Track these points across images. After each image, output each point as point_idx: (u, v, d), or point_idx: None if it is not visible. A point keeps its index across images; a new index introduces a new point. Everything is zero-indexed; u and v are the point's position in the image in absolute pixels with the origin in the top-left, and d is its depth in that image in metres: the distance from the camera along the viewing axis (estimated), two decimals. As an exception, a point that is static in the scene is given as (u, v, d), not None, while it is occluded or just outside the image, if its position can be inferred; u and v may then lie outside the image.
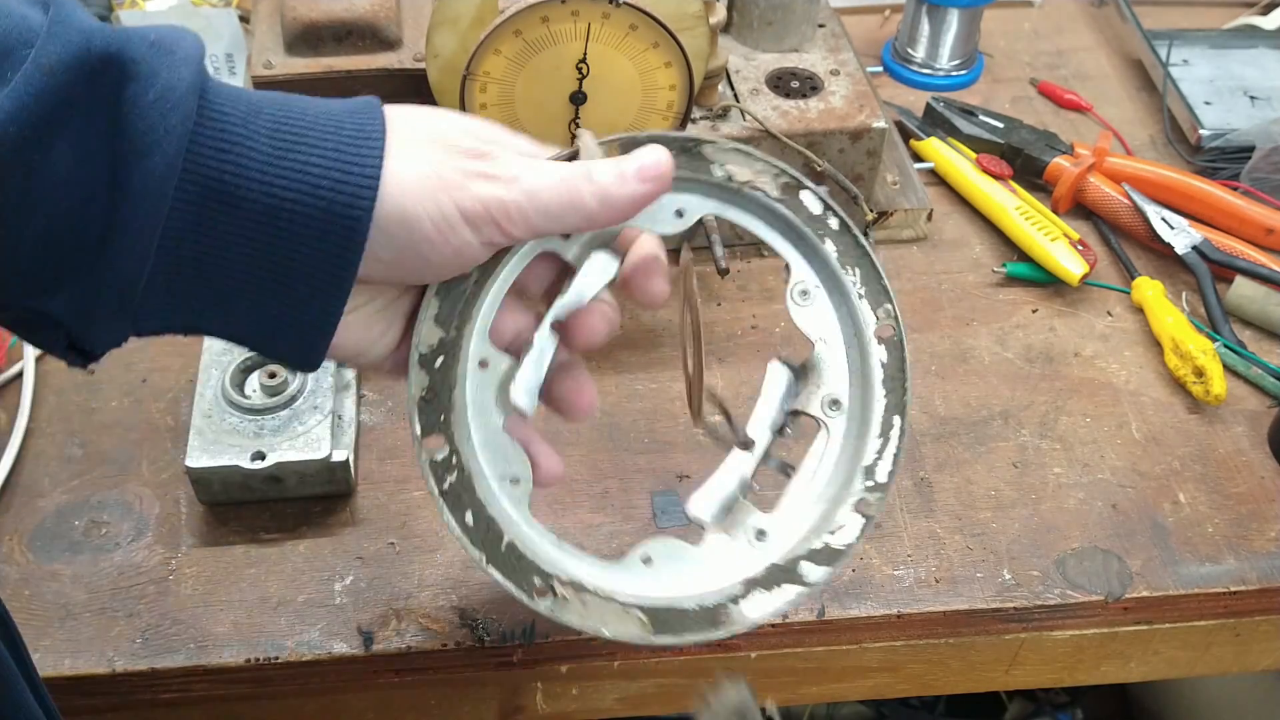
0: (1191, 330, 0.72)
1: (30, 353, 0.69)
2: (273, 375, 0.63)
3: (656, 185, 0.45)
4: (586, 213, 0.45)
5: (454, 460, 0.48)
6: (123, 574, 0.60)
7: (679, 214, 0.51)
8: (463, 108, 0.61)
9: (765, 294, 0.76)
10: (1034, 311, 0.76)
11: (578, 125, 0.63)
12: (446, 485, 0.48)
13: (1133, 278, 0.77)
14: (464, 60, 0.60)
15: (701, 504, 0.51)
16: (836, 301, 0.51)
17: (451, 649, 0.58)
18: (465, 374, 0.49)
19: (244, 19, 0.85)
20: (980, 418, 0.69)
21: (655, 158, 0.45)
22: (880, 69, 0.95)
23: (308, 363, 0.45)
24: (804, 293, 0.51)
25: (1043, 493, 0.65)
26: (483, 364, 0.49)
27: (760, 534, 0.50)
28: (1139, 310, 0.76)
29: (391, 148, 0.42)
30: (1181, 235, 0.78)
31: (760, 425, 0.51)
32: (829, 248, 0.50)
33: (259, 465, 0.60)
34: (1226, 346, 0.72)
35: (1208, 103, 0.89)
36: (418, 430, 0.48)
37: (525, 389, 0.49)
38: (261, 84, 0.69)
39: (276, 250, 0.41)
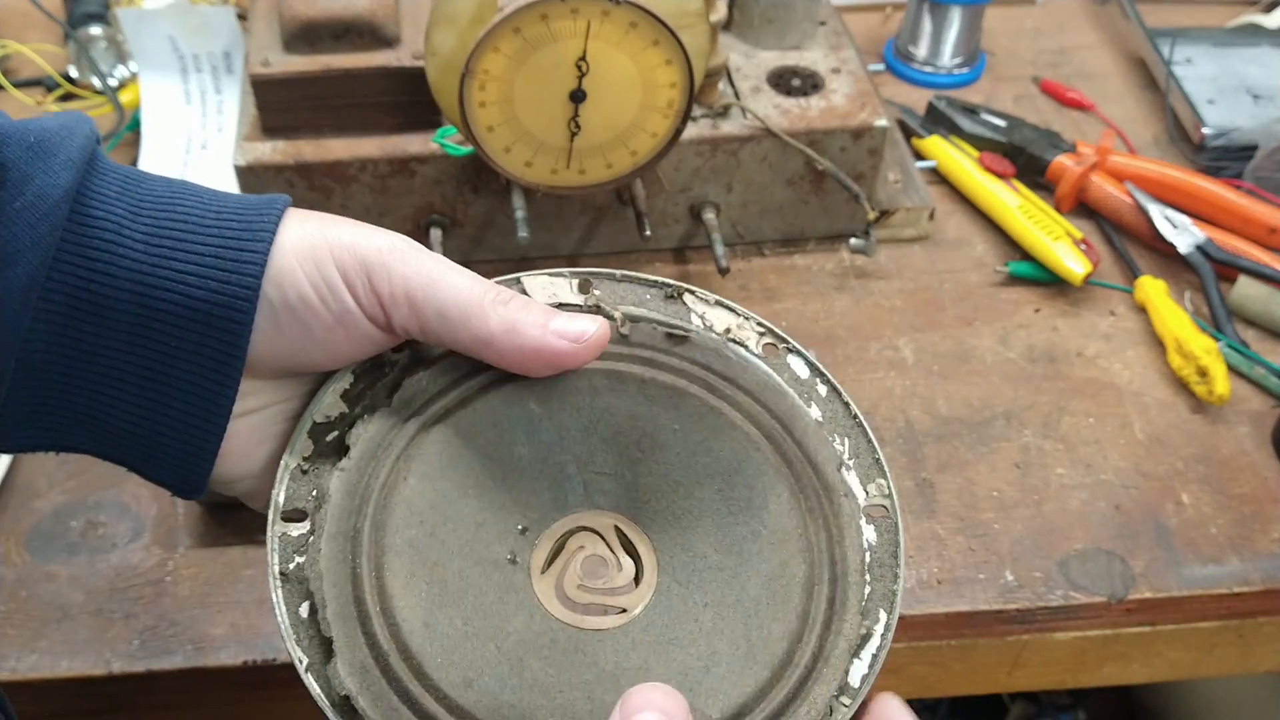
0: (1195, 330, 0.72)
1: (27, 352, 0.69)
2: None
3: (575, 348, 0.40)
4: (485, 334, 0.39)
5: (310, 544, 0.40)
6: (120, 575, 0.60)
7: None
8: (462, 106, 0.61)
9: (766, 293, 0.76)
10: (1036, 311, 0.76)
11: (578, 124, 0.63)
12: (291, 567, 0.40)
13: (1136, 277, 0.77)
14: (463, 58, 0.60)
15: None
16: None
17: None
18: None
19: (242, 17, 0.85)
20: (982, 418, 0.69)
21: (585, 324, 0.41)
22: (882, 67, 0.95)
23: (188, 486, 0.41)
24: None
25: (1045, 493, 0.65)
26: None
27: None
28: (1142, 310, 0.76)
29: (286, 223, 0.39)
30: (1185, 234, 0.77)
31: None
32: (814, 412, 0.44)
33: None
34: (1230, 346, 0.72)
35: (1211, 101, 0.88)
36: (280, 498, 0.40)
37: None
38: (260, 82, 0.69)
39: (150, 363, 0.38)
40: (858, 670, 0.40)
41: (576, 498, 0.42)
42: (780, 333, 0.45)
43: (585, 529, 0.42)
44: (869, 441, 0.44)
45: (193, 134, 0.82)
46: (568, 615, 0.40)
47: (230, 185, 0.71)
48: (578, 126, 0.63)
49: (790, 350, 0.45)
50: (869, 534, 0.42)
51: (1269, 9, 1.00)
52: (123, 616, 0.58)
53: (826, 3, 0.82)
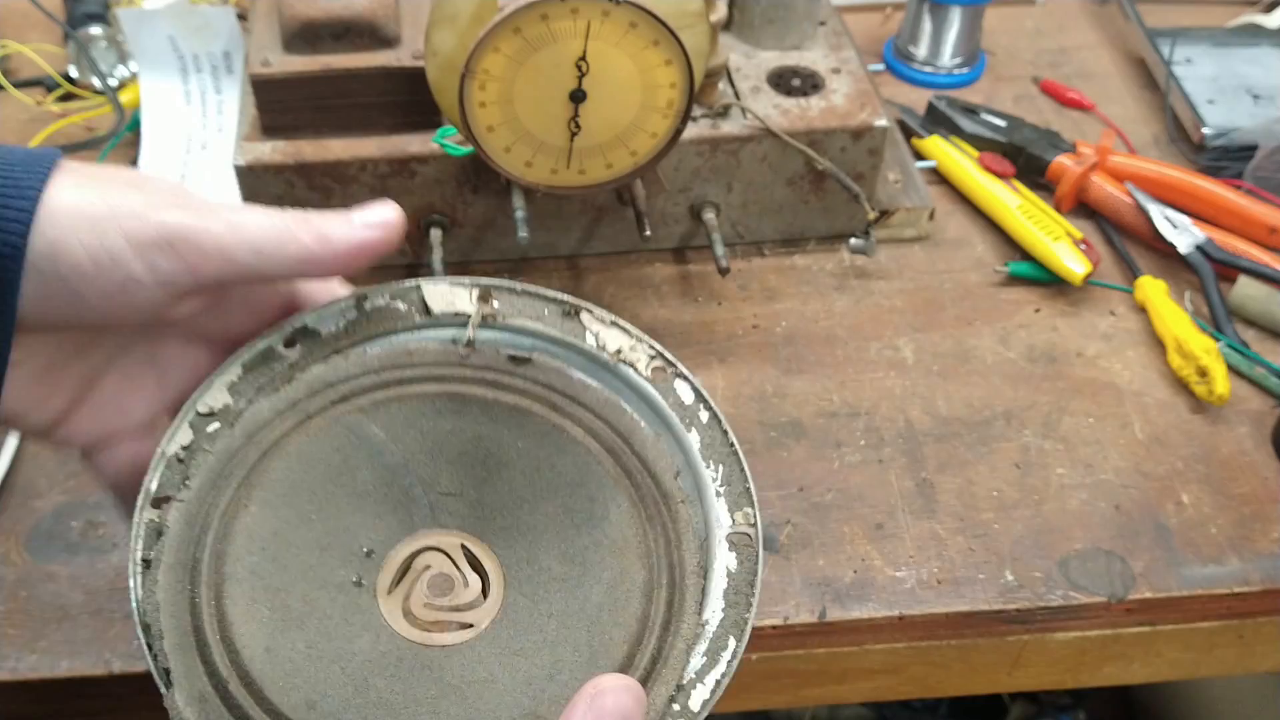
0: (1195, 330, 0.72)
1: (27, 352, 0.69)
2: None
3: (383, 233, 0.42)
4: (302, 251, 0.40)
5: (147, 577, 0.41)
6: (120, 575, 0.60)
7: None
8: (462, 106, 0.61)
9: (766, 293, 0.76)
10: (1036, 311, 0.76)
11: (578, 124, 0.63)
12: (152, 554, 0.40)
13: (1136, 277, 0.77)
14: (463, 58, 0.60)
15: None
16: (693, 501, 0.46)
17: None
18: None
19: (242, 17, 0.85)
20: (982, 418, 0.69)
21: (382, 211, 0.43)
22: (882, 67, 0.95)
23: None
24: None
25: (1045, 493, 0.65)
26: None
27: None
28: (1142, 310, 0.76)
29: (60, 182, 0.38)
30: (1185, 234, 0.77)
31: None
32: (693, 438, 0.45)
33: None
34: (1230, 346, 0.72)
35: (1211, 101, 0.88)
36: (152, 486, 0.41)
37: None
38: (260, 82, 0.69)
39: None
40: (699, 696, 0.40)
41: (423, 518, 0.43)
42: (670, 357, 0.47)
43: (432, 549, 0.43)
44: (742, 470, 0.45)
45: (193, 134, 0.82)
46: (414, 634, 0.41)
47: (231, 185, 0.71)
48: (578, 126, 0.63)
49: (678, 375, 0.47)
50: (729, 560, 0.43)
51: (1269, 9, 1.00)
52: (123, 616, 0.58)
53: (827, 3, 0.82)
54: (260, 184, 0.71)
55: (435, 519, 0.43)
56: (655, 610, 0.41)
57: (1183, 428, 0.69)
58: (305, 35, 0.69)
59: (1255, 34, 0.97)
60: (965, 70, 0.93)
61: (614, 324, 0.47)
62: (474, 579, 0.42)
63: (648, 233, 0.71)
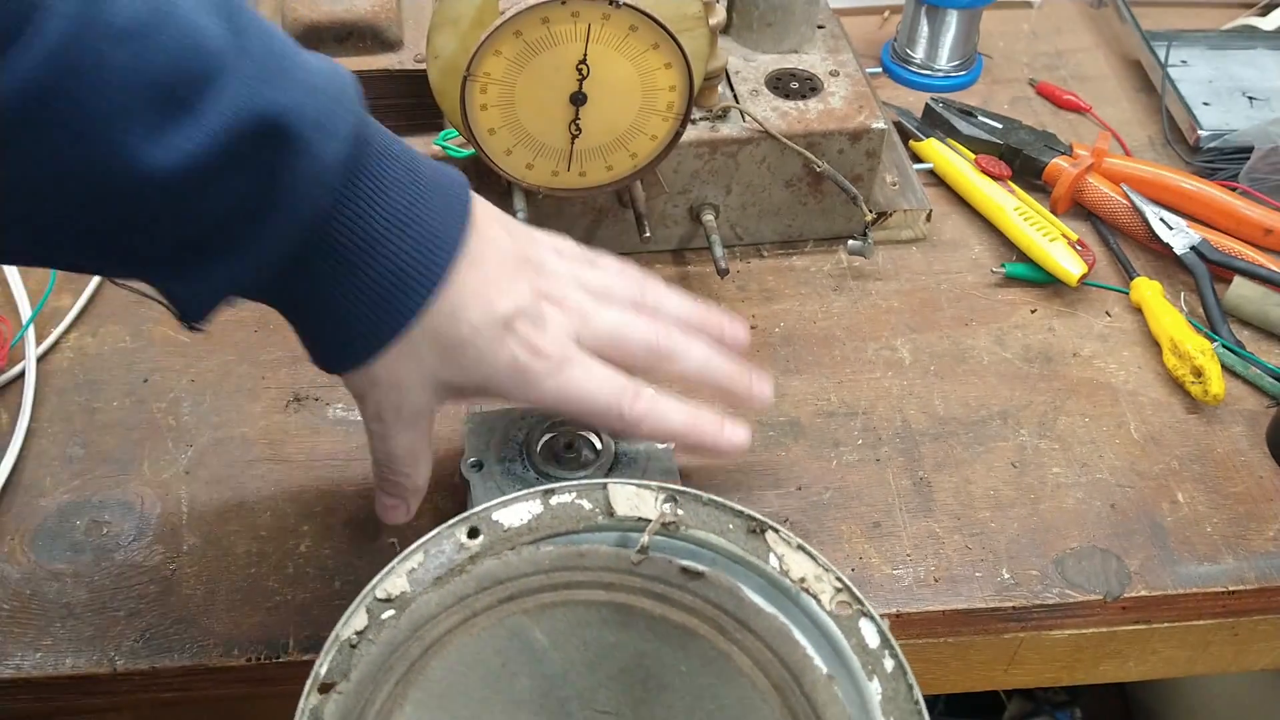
0: (1190, 330, 0.72)
1: (31, 353, 0.69)
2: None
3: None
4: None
5: None
6: (124, 574, 0.60)
7: None
8: (463, 109, 0.61)
9: (765, 294, 0.76)
10: (1033, 312, 0.76)
11: (578, 126, 0.63)
12: None
13: (1131, 278, 0.77)
14: (464, 61, 0.60)
15: None
16: None
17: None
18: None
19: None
20: (979, 418, 0.69)
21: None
22: (879, 70, 0.95)
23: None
24: None
25: (1041, 492, 0.66)
26: None
27: None
28: (1137, 310, 0.76)
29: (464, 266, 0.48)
30: (1180, 235, 0.78)
31: None
32: (874, 687, 0.42)
33: None
34: (1225, 346, 0.72)
35: (1206, 103, 0.89)
36: (322, 670, 0.40)
37: None
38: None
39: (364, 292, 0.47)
40: None
41: None
42: (858, 594, 0.44)
43: None
44: None
45: (195, 136, 0.82)
46: None
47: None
48: (578, 129, 0.63)
49: (864, 614, 0.44)
50: None
51: (1264, 12, 1.00)
52: (126, 615, 0.59)
53: (824, 6, 0.82)
54: (263, 186, 0.71)
55: None
56: None
57: (1178, 427, 0.70)
58: (308, 38, 0.69)
59: (1251, 36, 0.97)
60: (962, 73, 0.94)
61: (800, 548, 0.45)
62: None
63: (648, 234, 0.71)
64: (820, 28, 0.81)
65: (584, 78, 0.61)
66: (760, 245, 0.79)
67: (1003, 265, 0.78)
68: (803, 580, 0.44)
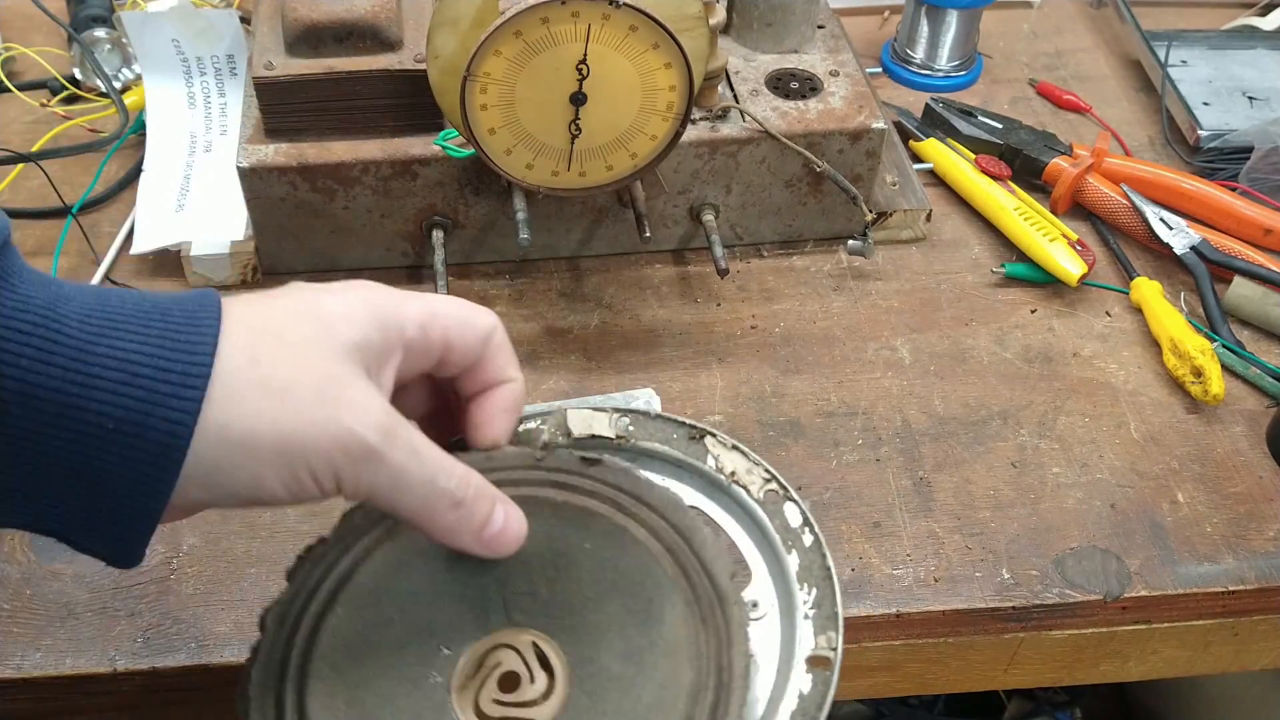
0: (1190, 330, 0.72)
1: (32, 353, 0.69)
2: None
3: (498, 554, 0.44)
4: (428, 533, 0.42)
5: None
6: (124, 574, 0.60)
7: None
8: (463, 109, 0.61)
9: (765, 294, 0.76)
10: (1033, 312, 0.76)
11: (578, 126, 0.63)
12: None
13: (1131, 278, 0.77)
14: (464, 61, 0.60)
15: None
16: (784, 620, 0.47)
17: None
18: None
19: (245, 20, 0.86)
20: (979, 417, 0.69)
21: (516, 535, 0.44)
22: (879, 70, 0.96)
23: (123, 561, 0.40)
24: (755, 605, 0.48)
25: (1041, 492, 0.66)
26: None
27: None
28: (1137, 310, 0.76)
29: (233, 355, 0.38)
30: (1180, 235, 0.78)
31: None
32: (792, 559, 0.48)
33: None
34: (1225, 346, 0.72)
35: (1206, 103, 0.89)
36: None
37: None
38: (263, 84, 0.69)
39: (79, 451, 0.36)
40: None
41: (498, 618, 0.44)
42: (783, 481, 0.49)
43: (505, 646, 0.44)
44: (834, 595, 0.47)
45: (197, 136, 0.83)
46: None
47: (234, 187, 0.72)
48: (578, 129, 0.63)
49: (788, 499, 0.49)
50: (804, 682, 0.44)
51: (1264, 12, 1.00)
52: (127, 615, 0.59)
53: (825, 6, 0.82)
54: (263, 186, 0.71)
55: (510, 618, 0.44)
56: (700, 713, 0.41)
57: (1178, 427, 0.70)
58: (308, 38, 0.69)
59: (1251, 36, 0.97)
60: (962, 73, 0.94)
61: (735, 448, 0.51)
62: (541, 677, 0.43)
63: (647, 234, 0.71)
64: (820, 28, 0.81)
65: (584, 78, 0.61)
66: (760, 245, 0.79)
67: (1003, 265, 0.78)
68: (733, 474, 0.50)
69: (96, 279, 0.74)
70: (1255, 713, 1.01)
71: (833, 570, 0.47)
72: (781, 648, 0.46)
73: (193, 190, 0.79)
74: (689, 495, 0.51)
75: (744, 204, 0.77)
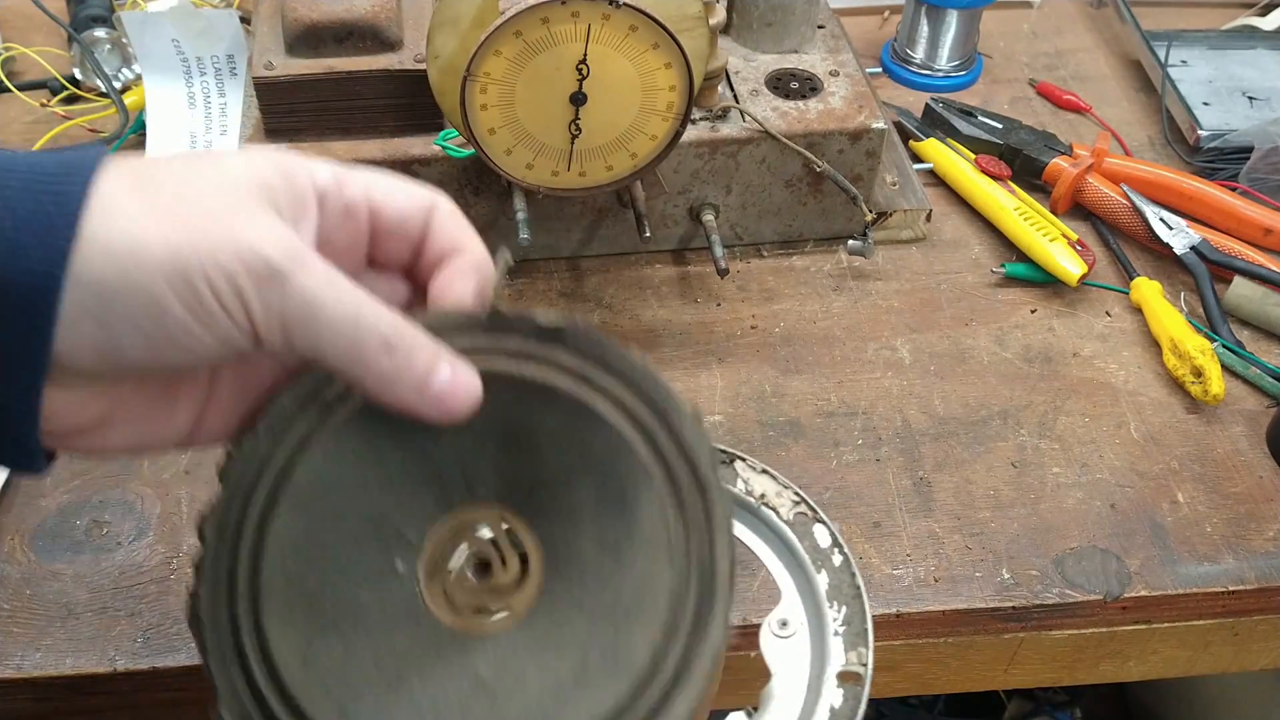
0: (1190, 330, 0.72)
1: (32, 353, 0.69)
2: None
3: (443, 417, 0.38)
4: (359, 383, 0.37)
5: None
6: (124, 574, 0.60)
7: None
8: (463, 109, 0.61)
9: (765, 294, 0.76)
10: (1033, 312, 0.76)
11: (578, 126, 0.63)
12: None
13: (1131, 278, 0.77)
14: (464, 61, 0.60)
15: None
16: (814, 638, 0.49)
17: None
18: None
19: (245, 20, 0.86)
20: (979, 417, 0.69)
21: (461, 403, 0.38)
22: (879, 70, 0.95)
23: (24, 460, 0.36)
24: (784, 623, 0.49)
25: (1041, 492, 0.66)
26: None
27: None
28: (1137, 310, 0.76)
29: (116, 194, 0.33)
30: (1180, 236, 0.78)
31: None
32: (822, 578, 0.50)
33: None
34: (1225, 346, 0.72)
35: (1206, 103, 0.89)
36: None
37: None
38: (263, 84, 0.69)
39: None
40: None
41: (459, 495, 0.40)
42: (813, 505, 0.51)
43: (471, 525, 0.40)
44: (863, 612, 0.48)
45: (197, 136, 0.83)
46: (453, 620, 0.39)
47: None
48: (578, 129, 0.63)
49: (818, 520, 0.51)
50: (835, 697, 0.46)
51: (1264, 12, 1.00)
52: (127, 614, 0.59)
53: (825, 6, 0.82)
54: (263, 186, 0.71)
55: (472, 494, 0.40)
56: (682, 618, 0.38)
57: (1178, 427, 0.70)
58: (308, 38, 0.69)
59: (1251, 36, 0.97)
60: (962, 73, 0.94)
61: (764, 471, 0.52)
62: (513, 560, 0.40)
63: (647, 234, 0.71)
64: (820, 28, 0.81)
65: (584, 78, 0.61)
66: (760, 245, 0.79)
67: (1003, 265, 0.78)
68: (763, 496, 0.52)
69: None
70: (1255, 713, 1.01)
71: (862, 588, 0.48)
72: (812, 664, 0.48)
73: (193, 190, 0.79)
74: None
75: (744, 204, 0.77)
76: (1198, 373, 0.70)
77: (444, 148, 0.71)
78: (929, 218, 0.80)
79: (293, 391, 0.40)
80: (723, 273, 0.73)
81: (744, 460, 0.52)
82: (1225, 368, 0.71)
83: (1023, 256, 0.78)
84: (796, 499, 0.51)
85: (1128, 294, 0.77)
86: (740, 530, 0.52)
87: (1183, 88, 0.90)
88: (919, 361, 0.73)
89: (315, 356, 0.36)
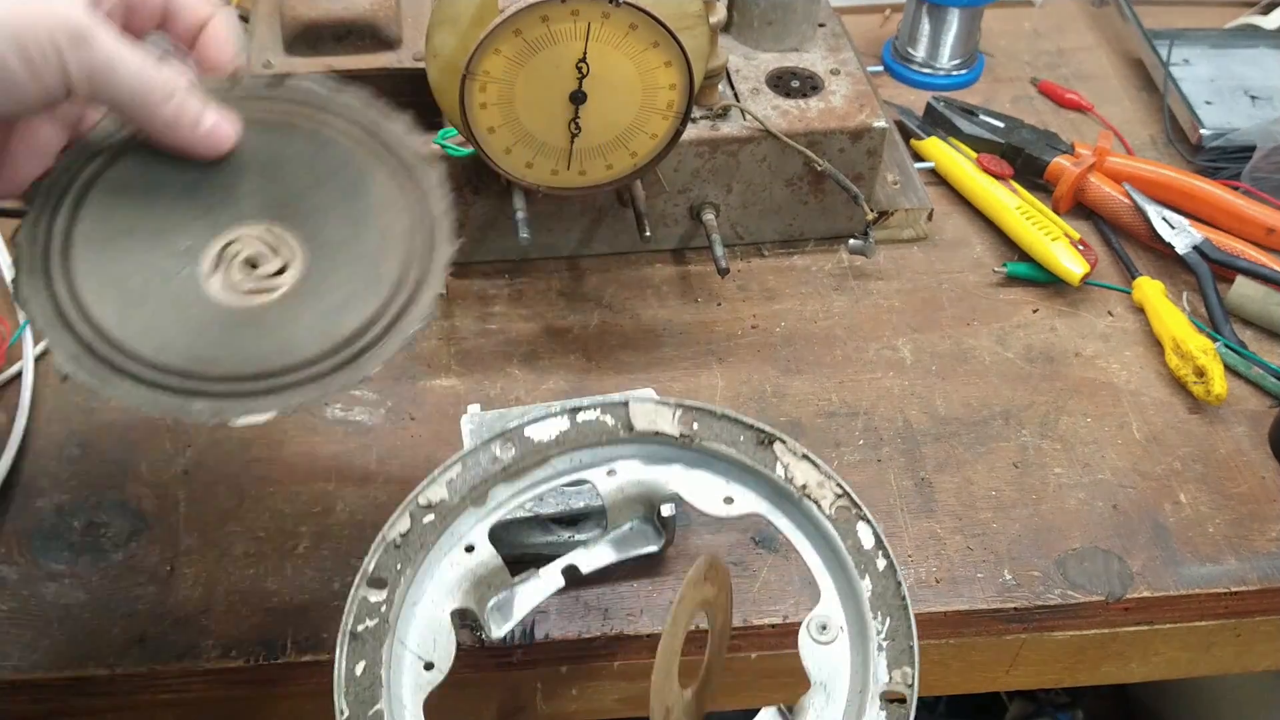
0: (1192, 330, 0.72)
1: (29, 352, 0.69)
2: None
3: (214, 148, 0.49)
4: (147, 126, 0.48)
5: (386, 612, 0.47)
6: (122, 575, 0.60)
7: (728, 500, 0.51)
8: (463, 107, 0.61)
9: (765, 294, 0.76)
10: (1034, 311, 0.76)
11: (578, 125, 0.63)
12: (361, 628, 0.46)
13: (1133, 277, 0.77)
14: (464, 60, 0.60)
15: None
16: (856, 648, 0.47)
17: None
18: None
19: (244, 18, 0.85)
20: (981, 418, 0.69)
21: (225, 139, 0.50)
22: (881, 68, 0.95)
23: None
24: (824, 628, 0.47)
25: (1043, 493, 0.65)
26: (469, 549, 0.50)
27: None
28: (1140, 310, 0.76)
29: None
30: (1182, 235, 0.78)
31: None
32: (865, 585, 0.47)
33: None
34: (1227, 346, 0.72)
35: (1208, 102, 0.89)
36: (370, 567, 0.48)
37: None
38: (261, 83, 0.69)
39: None
40: None
41: (230, 215, 0.50)
42: (855, 499, 0.48)
43: (242, 235, 0.49)
44: (909, 627, 0.46)
45: (194, 135, 0.82)
46: (236, 299, 0.48)
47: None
48: (578, 128, 0.63)
49: (861, 518, 0.48)
50: (879, 717, 0.44)
51: (1266, 10, 1.00)
52: (124, 616, 0.58)
53: (825, 4, 0.82)
54: (262, 185, 0.71)
55: (241, 213, 0.49)
56: (416, 245, 0.49)
57: (1180, 427, 0.69)
58: (307, 37, 0.69)
59: (1253, 35, 0.97)
60: (964, 71, 0.94)
61: (805, 457, 0.50)
62: (280, 252, 0.49)
63: (648, 233, 0.71)
64: (821, 26, 0.81)
65: (584, 76, 0.61)
66: (761, 244, 0.79)
67: (1004, 265, 0.78)
68: (805, 487, 0.49)
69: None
70: (1258, 715, 1.01)
71: (908, 600, 0.46)
72: (852, 675, 0.46)
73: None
74: (755, 504, 0.51)
75: (745, 203, 0.76)
76: (1200, 373, 0.69)
77: (443, 146, 0.70)
78: (930, 217, 0.80)
79: (82, 143, 0.51)
80: (723, 272, 0.72)
81: (783, 442, 0.50)
82: (1228, 368, 0.71)
83: (1024, 256, 0.78)
84: (839, 491, 0.48)
85: (1130, 293, 0.77)
86: (778, 519, 0.50)
87: (1185, 87, 0.90)
88: (920, 361, 0.72)
89: (114, 103, 0.47)
